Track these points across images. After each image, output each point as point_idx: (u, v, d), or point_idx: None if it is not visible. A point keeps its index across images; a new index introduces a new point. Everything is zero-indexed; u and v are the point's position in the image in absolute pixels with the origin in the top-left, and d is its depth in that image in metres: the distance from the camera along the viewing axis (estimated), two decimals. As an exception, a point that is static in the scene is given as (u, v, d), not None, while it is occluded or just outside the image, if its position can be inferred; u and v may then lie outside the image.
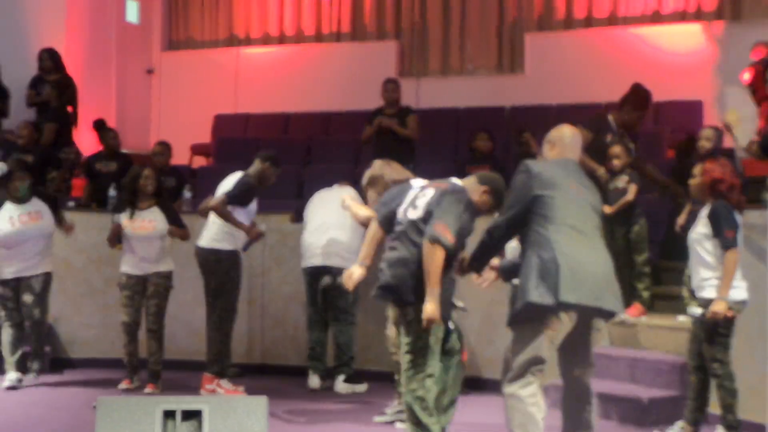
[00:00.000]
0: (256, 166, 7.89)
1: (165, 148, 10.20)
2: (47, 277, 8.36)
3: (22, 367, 8.24)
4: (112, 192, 9.50)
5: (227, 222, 7.67)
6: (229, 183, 7.84)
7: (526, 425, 4.98)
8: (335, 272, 7.97)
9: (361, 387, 8.15)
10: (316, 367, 8.28)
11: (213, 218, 7.75)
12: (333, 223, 8.15)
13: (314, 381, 8.25)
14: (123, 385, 8.11)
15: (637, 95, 8.43)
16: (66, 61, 11.56)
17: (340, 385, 8.13)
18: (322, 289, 8.18)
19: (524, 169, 5.17)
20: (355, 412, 7.30)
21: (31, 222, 8.23)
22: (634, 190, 7.78)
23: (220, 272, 7.71)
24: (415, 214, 5.54)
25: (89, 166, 10.51)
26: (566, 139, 5.38)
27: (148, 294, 8.06)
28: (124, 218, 8.02)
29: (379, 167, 6.55)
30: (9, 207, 8.25)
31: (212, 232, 7.75)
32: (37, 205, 8.32)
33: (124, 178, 8.39)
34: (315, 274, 8.22)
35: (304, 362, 8.42)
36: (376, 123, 9.95)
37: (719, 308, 5.86)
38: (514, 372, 5.01)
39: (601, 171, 8.04)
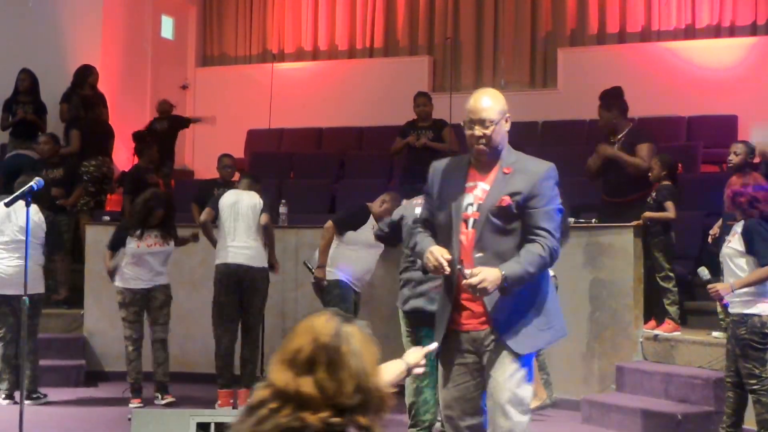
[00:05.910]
0: (256, 189, 8.13)
1: (233, 160, 9.84)
2: (35, 298, 7.66)
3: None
4: None
5: (272, 239, 8.06)
6: (244, 204, 7.95)
7: None
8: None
9: None
10: None
11: (254, 237, 7.88)
12: None
13: None
14: (136, 403, 7.94)
15: (615, 97, 8.74)
16: (102, 77, 11.67)
17: None
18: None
19: None
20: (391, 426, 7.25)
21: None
22: (672, 208, 7.68)
23: (264, 289, 8.04)
24: None
25: (139, 177, 10.07)
26: None
27: (156, 305, 8.11)
28: (133, 242, 8.03)
29: None
30: None
31: (259, 252, 7.92)
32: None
33: (137, 199, 8.41)
34: None
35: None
36: (420, 143, 9.98)
37: (720, 287, 5.89)
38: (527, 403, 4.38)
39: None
